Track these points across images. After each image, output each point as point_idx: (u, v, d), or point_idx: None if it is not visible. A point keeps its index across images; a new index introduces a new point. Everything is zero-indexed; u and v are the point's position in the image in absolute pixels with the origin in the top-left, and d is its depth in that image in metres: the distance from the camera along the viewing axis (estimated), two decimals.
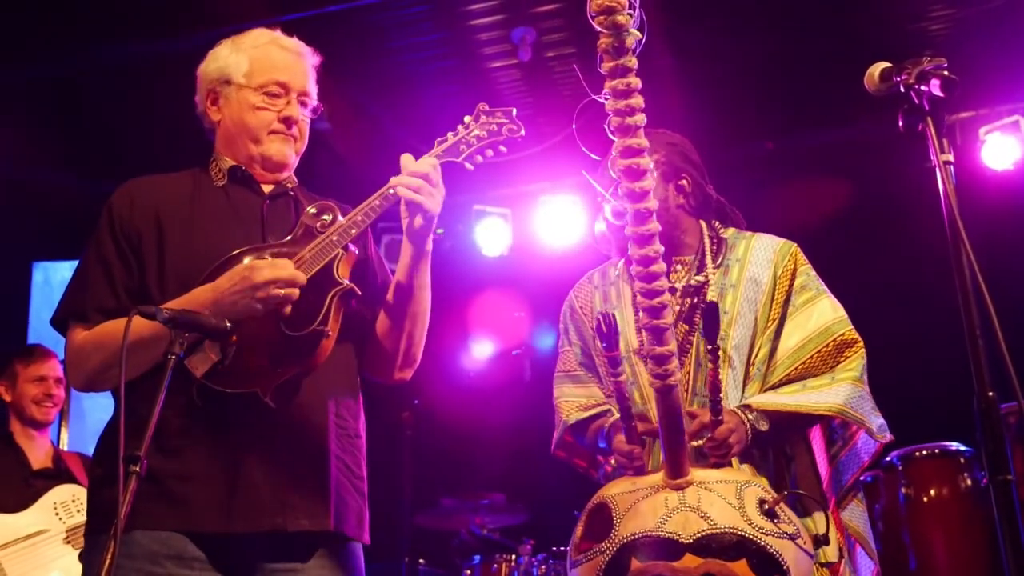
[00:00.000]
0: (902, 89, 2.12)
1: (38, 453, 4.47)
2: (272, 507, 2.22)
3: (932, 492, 4.57)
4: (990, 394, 1.90)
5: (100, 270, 2.37)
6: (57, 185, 6.46)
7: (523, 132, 2.48)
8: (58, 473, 4.42)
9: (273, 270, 2.22)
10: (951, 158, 2.03)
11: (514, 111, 2.51)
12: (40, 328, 6.73)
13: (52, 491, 4.26)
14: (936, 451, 4.67)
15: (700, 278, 2.73)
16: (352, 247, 2.38)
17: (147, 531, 2.16)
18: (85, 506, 4.17)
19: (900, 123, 2.12)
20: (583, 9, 1.94)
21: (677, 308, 2.68)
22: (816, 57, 5.76)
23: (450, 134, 2.49)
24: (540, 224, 6.74)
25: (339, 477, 2.35)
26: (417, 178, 2.36)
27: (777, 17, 5.63)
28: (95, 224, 2.44)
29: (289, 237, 2.37)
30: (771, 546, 2.10)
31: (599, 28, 1.90)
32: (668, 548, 2.09)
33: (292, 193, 2.55)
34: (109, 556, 1.84)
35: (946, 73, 2.04)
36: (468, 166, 2.48)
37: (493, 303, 6.91)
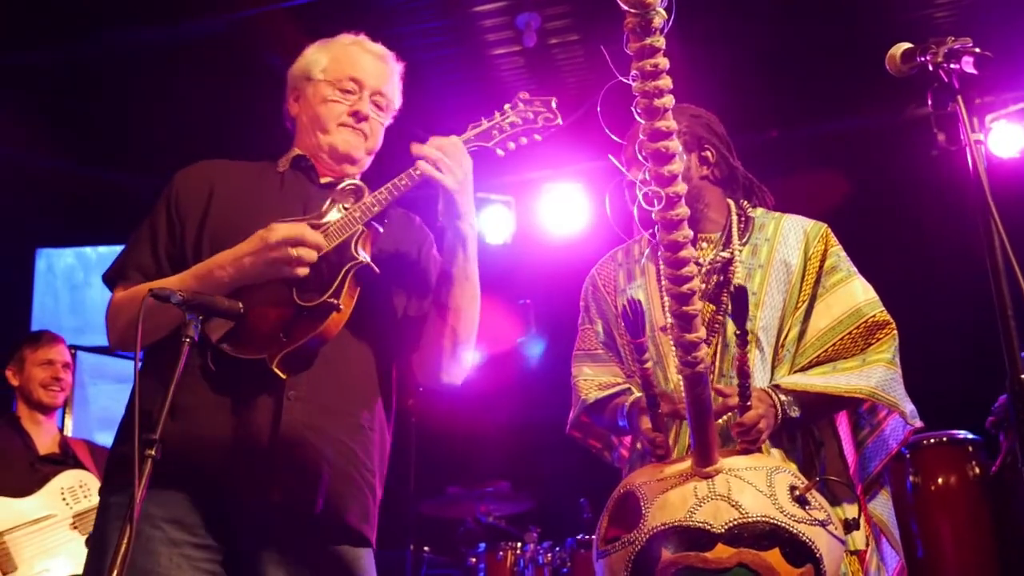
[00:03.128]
0: (930, 68, 2.09)
1: (44, 438, 4.47)
2: (263, 478, 2.20)
3: (939, 480, 4.57)
4: (1023, 376, 1.88)
5: (147, 234, 2.45)
6: (61, 172, 6.45)
7: (560, 122, 2.47)
8: (65, 458, 4.41)
9: (289, 229, 2.25)
10: (982, 137, 2.01)
11: (553, 101, 2.49)
12: (43, 315, 6.72)
13: (59, 476, 4.25)
14: (944, 439, 4.67)
15: (726, 254, 2.65)
16: (376, 224, 2.37)
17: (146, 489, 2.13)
18: (92, 492, 4.18)
19: (929, 102, 2.09)
20: None
21: (702, 286, 2.60)
22: (820, 45, 5.74)
23: (484, 119, 2.49)
24: (544, 212, 6.73)
25: (339, 462, 2.31)
26: (436, 149, 2.36)
27: (781, 5, 5.62)
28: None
29: (317, 212, 2.38)
30: (803, 534, 2.05)
31: (625, 7, 1.83)
32: (699, 538, 2.04)
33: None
34: (125, 543, 1.83)
35: (978, 50, 2.01)
36: (499, 152, 2.47)
37: (496, 292, 6.89)
